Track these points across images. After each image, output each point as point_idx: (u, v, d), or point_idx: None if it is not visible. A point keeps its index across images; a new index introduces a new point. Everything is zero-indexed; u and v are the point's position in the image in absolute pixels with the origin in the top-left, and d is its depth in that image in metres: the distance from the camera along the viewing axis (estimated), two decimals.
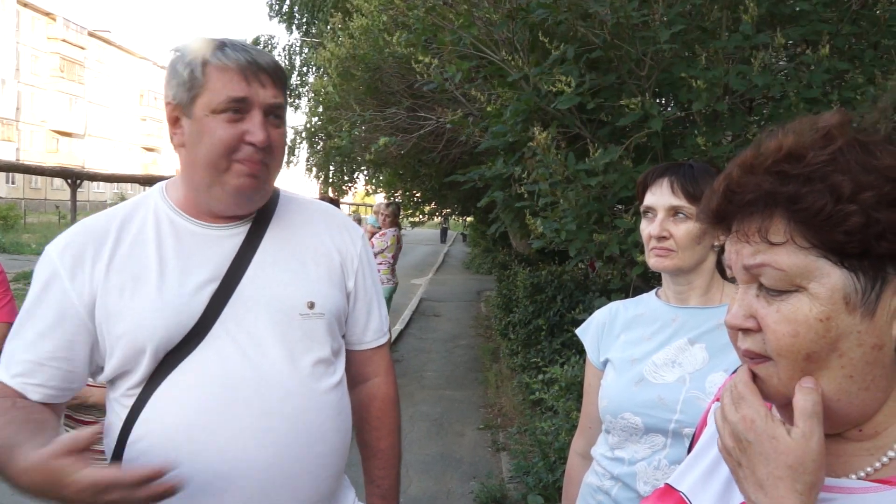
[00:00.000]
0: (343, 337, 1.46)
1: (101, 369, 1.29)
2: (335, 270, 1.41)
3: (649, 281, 2.83)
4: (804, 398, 0.66)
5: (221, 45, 1.22)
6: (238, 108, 1.21)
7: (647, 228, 1.52)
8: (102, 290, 1.23)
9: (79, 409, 2.43)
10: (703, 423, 0.92)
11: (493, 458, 4.95)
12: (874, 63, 2.49)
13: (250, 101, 1.21)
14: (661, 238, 1.48)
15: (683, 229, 1.46)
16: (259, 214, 1.36)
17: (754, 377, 0.70)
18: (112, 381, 1.28)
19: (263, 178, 1.28)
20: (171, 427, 1.21)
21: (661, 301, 1.60)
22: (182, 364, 1.23)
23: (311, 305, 1.33)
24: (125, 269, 1.24)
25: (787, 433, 0.65)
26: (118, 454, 1.24)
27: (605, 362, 1.61)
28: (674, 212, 1.48)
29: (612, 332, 1.64)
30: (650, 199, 1.52)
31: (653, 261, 1.52)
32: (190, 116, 1.23)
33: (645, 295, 1.68)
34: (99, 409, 2.42)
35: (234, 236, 1.32)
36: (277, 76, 1.26)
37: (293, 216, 1.42)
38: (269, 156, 1.26)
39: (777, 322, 0.66)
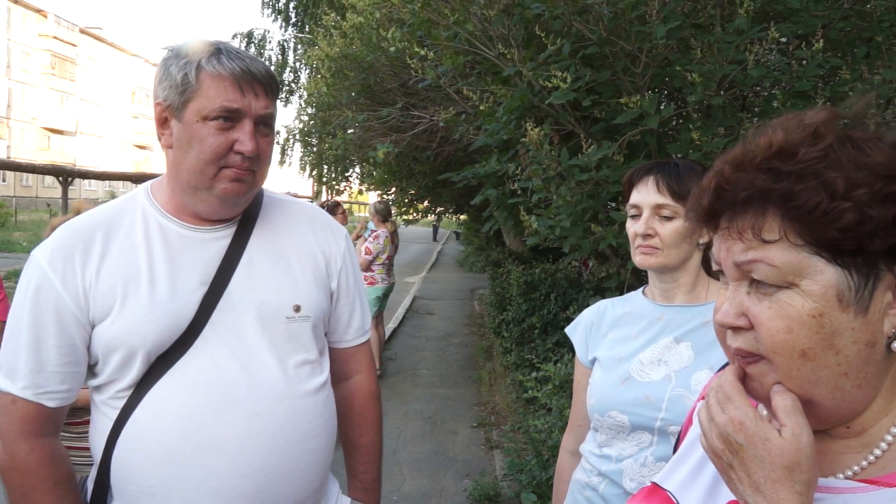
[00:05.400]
0: (325, 335, 1.48)
1: (90, 370, 1.30)
2: (320, 272, 1.43)
3: (643, 279, 2.83)
4: (782, 397, 0.66)
5: (217, 52, 1.22)
6: (230, 117, 1.22)
7: (632, 226, 1.53)
8: (93, 293, 1.23)
9: (72, 414, 2.39)
10: (689, 422, 0.92)
11: (487, 456, 4.96)
12: (866, 60, 2.50)
13: (243, 112, 1.22)
14: (646, 236, 1.49)
15: (669, 227, 1.47)
16: (244, 216, 1.37)
17: (744, 376, 0.70)
18: (98, 385, 1.29)
19: (250, 184, 1.29)
20: (164, 428, 1.22)
21: (647, 299, 1.61)
22: (174, 367, 1.24)
23: (298, 309, 1.34)
24: (115, 274, 1.24)
25: (778, 434, 0.65)
26: (107, 456, 1.26)
27: (594, 360, 1.62)
28: (659, 210, 1.48)
29: (599, 330, 1.65)
30: (636, 197, 1.53)
31: (638, 258, 1.53)
32: (180, 120, 1.23)
33: (632, 293, 1.69)
34: (86, 411, 2.40)
35: (220, 239, 1.33)
36: (270, 86, 1.27)
37: (278, 217, 1.43)
38: (257, 163, 1.28)
39: (770, 318, 0.65)
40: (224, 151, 1.22)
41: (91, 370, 1.29)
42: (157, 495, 1.22)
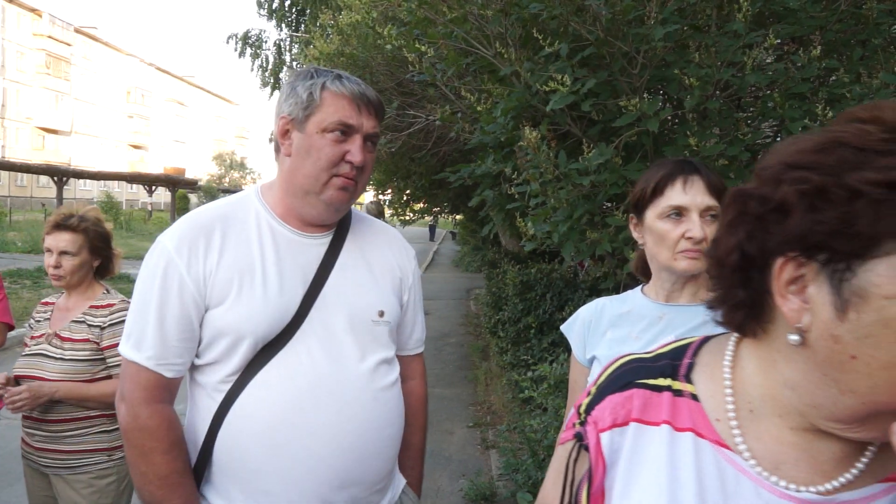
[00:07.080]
0: None
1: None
2: (396, 284, 1.61)
3: (638, 279, 2.82)
4: None
5: (339, 76, 1.42)
6: (344, 131, 1.40)
7: (676, 229, 1.47)
8: (213, 280, 1.38)
9: (49, 410, 2.34)
10: (600, 457, 0.78)
11: (483, 456, 4.96)
12: (862, 62, 2.51)
13: (356, 128, 1.41)
14: (698, 240, 1.44)
15: (713, 229, 1.43)
16: (337, 228, 1.55)
17: None
18: (202, 369, 1.43)
19: (352, 192, 1.45)
20: (268, 411, 1.36)
21: (647, 298, 1.59)
22: (276, 356, 1.39)
23: (382, 314, 1.52)
24: (233, 265, 1.40)
25: None
26: (211, 436, 1.39)
27: (591, 359, 1.61)
28: (708, 211, 1.45)
29: (598, 329, 1.63)
30: (681, 198, 1.47)
31: (685, 263, 1.47)
32: (301, 131, 1.41)
33: (630, 292, 1.67)
34: (68, 404, 2.35)
35: (319, 245, 1.50)
36: (379, 110, 1.46)
37: (364, 232, 1.61)
38: (361, 174, 1.45)
39: None
40: (337, 160, 1.40)
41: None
42: (258, 472, 1.37)
